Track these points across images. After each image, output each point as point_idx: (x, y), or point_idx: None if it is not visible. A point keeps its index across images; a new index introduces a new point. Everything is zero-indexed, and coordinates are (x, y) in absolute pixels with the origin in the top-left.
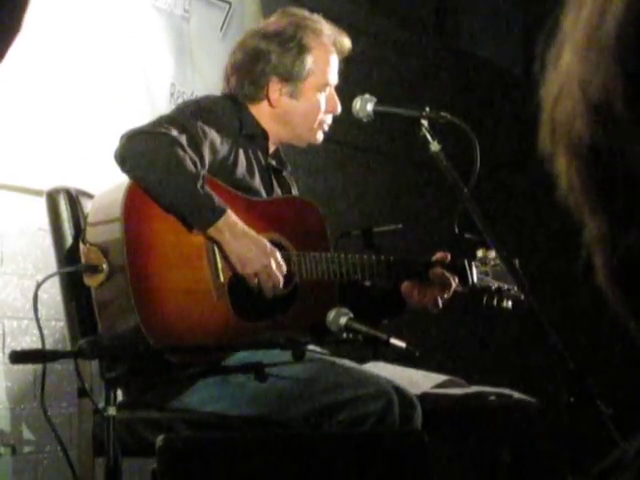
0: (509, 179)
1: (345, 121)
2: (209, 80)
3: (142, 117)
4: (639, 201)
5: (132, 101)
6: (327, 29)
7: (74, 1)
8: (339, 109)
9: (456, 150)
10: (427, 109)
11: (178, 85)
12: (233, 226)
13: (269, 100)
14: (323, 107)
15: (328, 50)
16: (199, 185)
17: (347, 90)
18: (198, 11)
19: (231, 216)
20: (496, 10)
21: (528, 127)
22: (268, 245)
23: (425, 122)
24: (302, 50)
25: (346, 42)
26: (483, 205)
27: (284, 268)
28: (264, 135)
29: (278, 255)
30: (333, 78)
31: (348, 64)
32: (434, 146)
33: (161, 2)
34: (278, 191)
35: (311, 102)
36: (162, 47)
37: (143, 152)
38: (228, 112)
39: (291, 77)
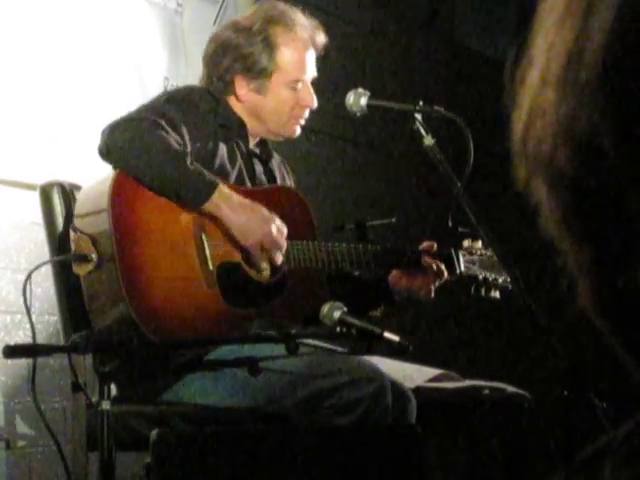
0: (500, 171)
1: (338, 114)
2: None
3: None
4: (633, 237)
5: (125, 95)
6: (301, 24)
7: None
8: (315, 104)
9: (449, 143)
10: (420, 103)
11: (171, 79)
12: (228, 198)
13: (237, 96)
14: (293, 102)
15: (299, 46)
16: (188, 162)
17: (340, 84)
18: (191, 4)
19: (224, 188)
20: (490, 1)
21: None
22: (265, 211)
23: (419, 116)
24: (269, 45)
25: (321, 37)
26: (477, 199)
27: (285, 230)
28: (241, 124)
29: (277, 219)
30: (307, 74)
31: (341, 57)
32: (428, 140)
33: None
34: (263, 179)
35: (279, 98)
36: (155, 41)
37: (127, 140)
38: (204, 101)
39: (257, 73)
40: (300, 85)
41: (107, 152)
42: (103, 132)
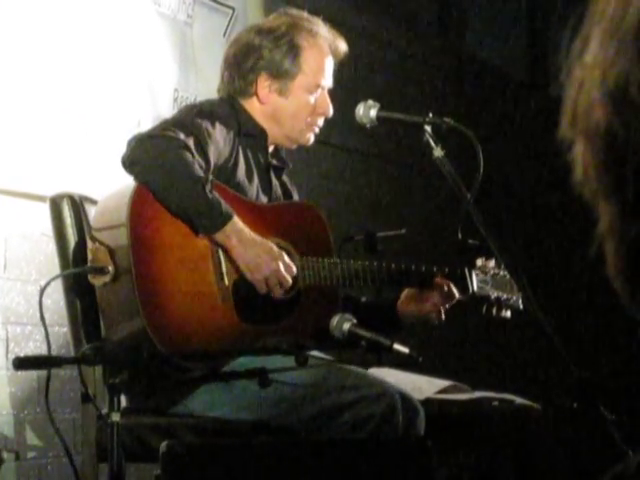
0: (511, 181)
1: (348, 126)
2: (212, 85)
3: (145, 123)
4: None
5: (135, 107)
6: (323, 31)
7: (77, 7)
8: (330, 112)
9: (459, 155)
10: (430, 115)
11: (181, 90)
12: (240, 231)
13: (258, 97)
14: (312, 108)
15: (322, 52)
16: (207, 189)
17: (350, 95)
18: (201, 16)
19: (238, 222)
20: (500, 12)
21: (533, 130)
22: (275, 248)
23: (428, 128)
24: (293, 48)
25: (342, 46)
26: (487, 210)
27: (293, 269)
28: (263, 133)
29: (286, 257)
30: (326, 80)
31: (351, 68)
32: (437, 152)
33: (164, 8)
34: (278, 191)
35: (300, 102)
36: (165, 53)
37: (152, 156)
38: (227, 113)
39: (280, 74)
40: (319, 91)
41: (130, 164)
42: (129, 142)
